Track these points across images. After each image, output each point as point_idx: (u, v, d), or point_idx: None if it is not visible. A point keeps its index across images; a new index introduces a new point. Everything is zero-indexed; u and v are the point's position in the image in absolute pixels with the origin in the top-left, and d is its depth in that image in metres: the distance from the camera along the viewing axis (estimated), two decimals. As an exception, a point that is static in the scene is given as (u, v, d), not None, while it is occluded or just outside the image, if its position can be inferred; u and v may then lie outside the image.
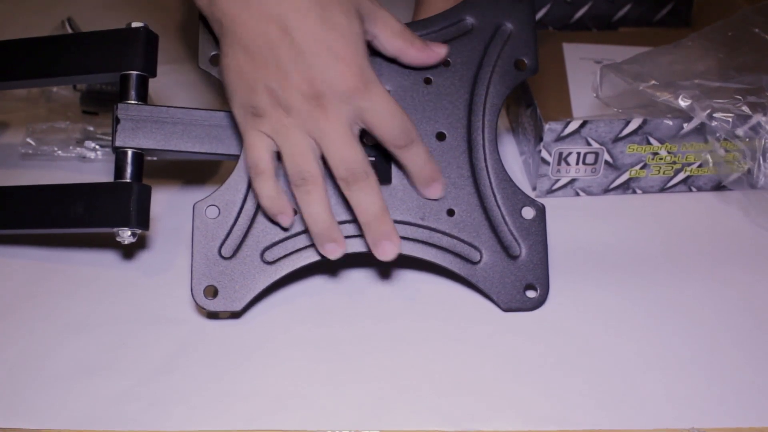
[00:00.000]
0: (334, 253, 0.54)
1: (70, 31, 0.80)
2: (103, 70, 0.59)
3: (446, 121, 0.58)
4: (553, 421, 0.49)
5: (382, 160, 0.58)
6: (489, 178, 0.58)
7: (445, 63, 0.59)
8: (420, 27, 0.60)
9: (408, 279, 0.59)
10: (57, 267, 0.61)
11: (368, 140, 0.57)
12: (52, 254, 0.62)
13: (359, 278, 0.59)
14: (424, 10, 0.68)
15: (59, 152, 0.71)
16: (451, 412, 0.50)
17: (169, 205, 0.66)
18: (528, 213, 0.57)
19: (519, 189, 0.58)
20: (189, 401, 0.51)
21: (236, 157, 0.57)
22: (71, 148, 0.72)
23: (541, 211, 0.57)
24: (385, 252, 0.54)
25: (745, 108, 0.62)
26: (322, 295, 0.58)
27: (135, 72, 0.58)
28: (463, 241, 0.57)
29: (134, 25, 0.59)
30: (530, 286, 0.57)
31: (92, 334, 0.55)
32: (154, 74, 0.60)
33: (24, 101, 0.77)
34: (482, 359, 0.53)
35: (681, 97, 0.63)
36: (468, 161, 0.58)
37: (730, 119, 0.62)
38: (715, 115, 0.62)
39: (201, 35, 0.58)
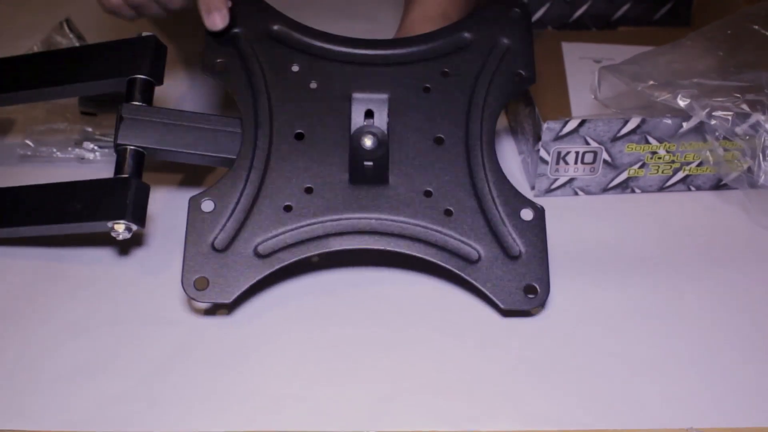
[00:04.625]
0: (215, 23, 0.59)
1: (68, 31, 0.80)
2: (112, 75, 0.61)
3: (445, 126, 0.59)
4: (552, 421, 0.49)
5: (379, 160, 0.58)
6: (487, 180, 0.58)
7: (444, 73, 0.60)
8: (419, 42, 0.61)
9: (406, 281, 0.59)
10: (55, 268, 0.61)
11: (368, 144, 0.58)
12: (51, 255, 0.62)
13: (358, 280, 0.59)
14: (413, 9, 0.68)
15: (58, 153, 0.71)
16: (449, 412, 0.50)
17: (166, 205, 0.66)
18: (527, 215, 0.57)
19: (518, 191, 0.58)
20: (187, 402, 0.51)
21: (233, 162, 0.57)
22: (70, 149, 0.71)
23: (540, 213, 0.57)
24: (215, 22, 0.59)
25: (744, 106, 0.62)
26: (321, 297, 0.58)
27: (141, 76, 0.60)
28: (460, 240, 0.56)
29: (144, 34, 0.61)
30: (530, 288, 0.56)
31: (90, 336, 0.55)
32: (160, 82, 0.61)
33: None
34: (481, 360, 0.53)
35: (680, 96, 0.63)
36: (466, 164, 0.58)
37: (730, 118, 0.62)
38: (714, 113, 0.62)
39: (206, 42, 0.59)
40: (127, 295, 0.58)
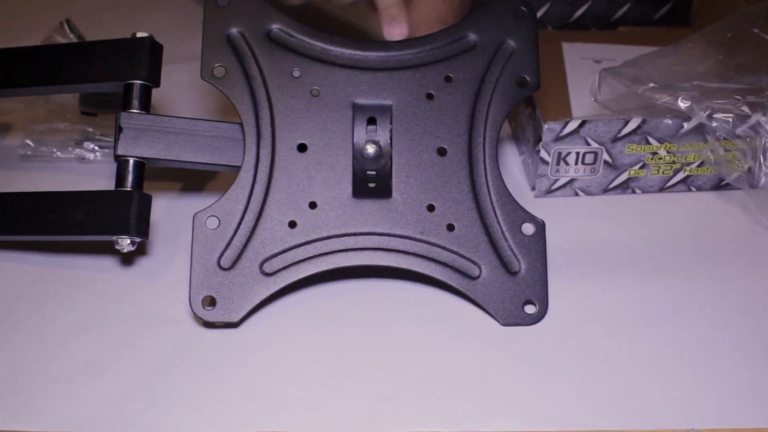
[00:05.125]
0: (393, 34, 0.62)
1: (68, 31, 0.80)
2: (108, 79, 0.60)
3: (447, 136, 0.58)
4: (552, 421, 0.49)
5: (383, 174, 0.58)
6: (489, 193, 0.57)
7: (447, 78, 0.59)
8: (423, 42, 0.60)
9: (406, 286, 0.59)
10: (56, 271, 0.61)
11: (370, 153, 0.57)
12: (52, 258, 0.62)
13: (358, 283, 0.59)
14: (409, 15, 0.68)
15: (58, 153, 0.71)
16: (449, 412, 0.50)
17: (167, 209, 0.66)
18: (528, 229, 0.57)
19: (519, 205, 0.58)
20: (187, 404, 0.51)
21: (237, 169, 0.57)
22: (70, 149, 0.71)
23: (541, 227, 0.57)
24: (392, 32, 0.62)
25: (744, 108, 0.62)
26: (322, 300, 0.58)
27: (138, 81, 0.59)
28: (462, 256, 0.56)
29: (139, 35, 0.60)
30: (529, 302, 0.56)
31: (91, 337, 0.55)
32: (157, 84, 0.60)
33: (23, 102, 0.77)
34: (481, 360, 0.53)
35: (680, 98, 0.63)
36: (468, 177, 0.58)
37: (730, 120, 0.62)
38: (714, 116, 0.62)
39: (204, 47, 0.58)
40: (128, 297, 0.58)
